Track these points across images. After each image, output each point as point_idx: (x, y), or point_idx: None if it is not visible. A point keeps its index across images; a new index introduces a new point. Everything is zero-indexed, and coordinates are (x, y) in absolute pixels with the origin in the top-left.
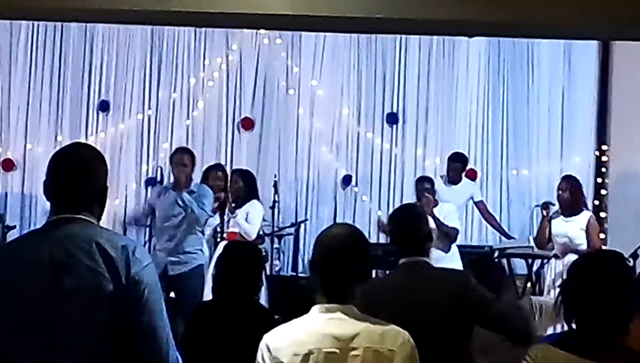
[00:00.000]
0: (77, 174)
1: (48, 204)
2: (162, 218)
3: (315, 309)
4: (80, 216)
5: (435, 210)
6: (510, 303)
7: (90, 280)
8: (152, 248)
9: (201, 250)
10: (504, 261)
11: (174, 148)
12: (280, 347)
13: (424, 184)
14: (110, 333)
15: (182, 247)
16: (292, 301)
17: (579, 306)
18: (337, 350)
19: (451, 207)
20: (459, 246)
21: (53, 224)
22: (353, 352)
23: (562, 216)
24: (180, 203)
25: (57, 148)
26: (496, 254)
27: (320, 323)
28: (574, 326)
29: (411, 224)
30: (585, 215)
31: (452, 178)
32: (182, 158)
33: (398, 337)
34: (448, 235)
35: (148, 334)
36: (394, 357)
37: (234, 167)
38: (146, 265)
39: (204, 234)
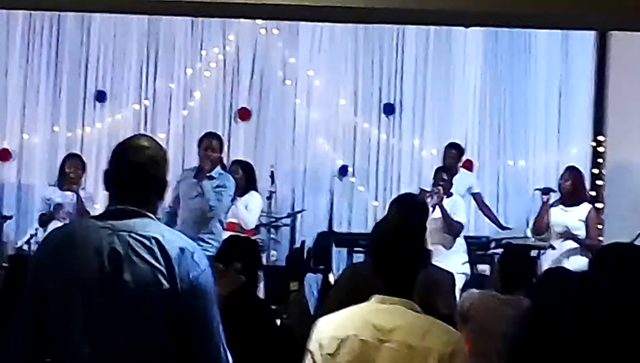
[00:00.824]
0: (144, 167)
1: (45, 194)
2: (182, 203)
3: (372, 298)
4: (141, 210)
5: (445, 202)
6: None
7: (148, 275)
8: None
9: (215, 240)
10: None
11: (171, 138)
12: (324, 330)
13: (441, 174)
14: (163, 328)
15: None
16: (288, 291)
17: None
18: (373, 340)
19: (459, 199)
20: None
21: (114, 213)
22: (387, 344)
23: (561, 206)
24: (199, 189)
25: (55, 139)
26: (493, 244)
27: (368, 312)
28: None
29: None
30: (586, 207)
31: (449, 166)
32: (210, 143)
33: (443, 336)
34: (452, 229)
35: (202, 337)
36: (428, 355)
37: (230, 157)
38: (204, 269)
39: (222, 223)
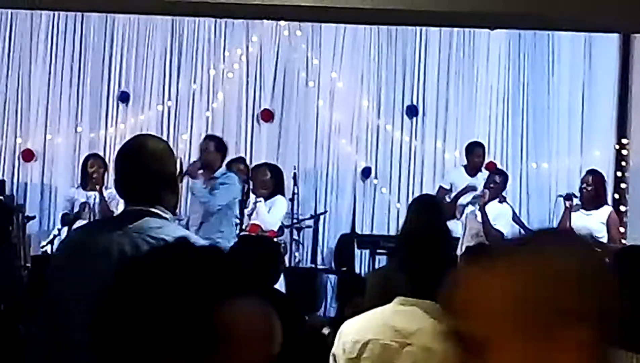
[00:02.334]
0: (146, 164)
1: (69, 194)
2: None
3: (395, 300)
4: (153, 209)
5: (489, 208)
6: None
7: None
8: None
9: (224, 239)
10: None
11: (194, 139)
12: (348, 333)
13: (493, 177)
14: None
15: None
16: (310, 293)
17: None
18: (394, 343)
19: (506, 208)
20: None
21: (125, 216)
22: (408, 348)
23: (582, 210)
24: (192, 191)
25: (78, 139)
26: None
27: (389, 315)
28: None
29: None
30: (606, 209)
31: (474, 165)
32: (204, 144)
33: None
34: (489, 236)
35: None
36: (449, 358)
37: (253, 158)
38: None
39: (232, 223)
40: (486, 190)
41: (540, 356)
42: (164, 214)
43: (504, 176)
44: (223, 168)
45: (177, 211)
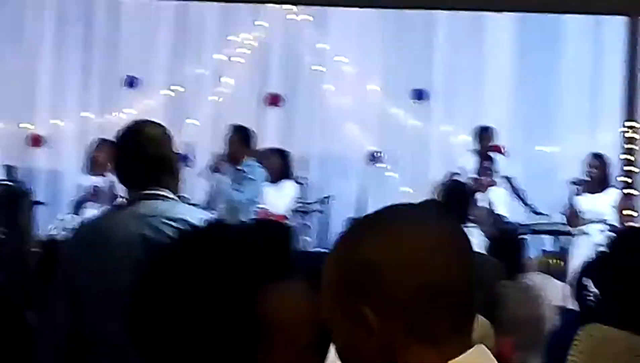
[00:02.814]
0: (144, 150)
1: (77, 180)
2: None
3: None
4: (159, 192)
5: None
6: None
7: None
8: None
9: None
10: (532, 237)
11: (201, 124)
12: None
13: (483, 163)
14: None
15: None
16: (319, 276)
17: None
18: None
19: (501, 191)
20: None
21: (135, 201)
22: None
23: (589, 193)
24: (219, 187)
25: (86, 124)
26: (525, 230)
27: None
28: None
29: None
30: (613, 192)
31: (484, 148)
32: (228, 135)
33: (482, 330)
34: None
35: None
36: None
37: (260, 143)
38: None
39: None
40: (484, 177)
41: (350, 331)
42: (170, 196)
43: (490, 159)
44: (249, 160)
45: (178, 193)
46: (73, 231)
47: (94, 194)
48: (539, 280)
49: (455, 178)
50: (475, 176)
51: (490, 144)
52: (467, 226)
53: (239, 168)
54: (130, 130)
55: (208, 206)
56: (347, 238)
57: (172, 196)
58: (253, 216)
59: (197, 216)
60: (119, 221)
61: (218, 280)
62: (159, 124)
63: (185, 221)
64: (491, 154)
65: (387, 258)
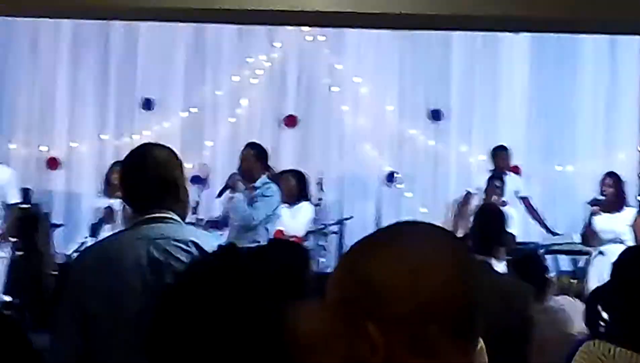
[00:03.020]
0: (150, 174)
1: (93, 202)
2: None
3: None
4: (165, 215)
5: None
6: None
7: None
8: None
9: None
10: (548, 257)
11: (218, 146)
12: None
13: (494, 182)
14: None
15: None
16: None
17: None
18: None
19: (512, 210)
20: None
21: (141, 224)
22: None
23: (606, 213)
24: (234, 206)
25: (103, 147)
26: (542, 251)
27: None
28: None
29: (488, 224)
30: (630, 211)
31: (500, 168)
32: (244, 152)
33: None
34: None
35: None
36: None
37: (277, 164)
38: None
39: (268, 231)
40: (495, 196)
41: (349, 346)
42: (175, 218)
43: (500, 179)
44: (264, 177)
45: (185, 216)
46: (80, 255)
47: (109, 216)
48: (564, 302)
49: (491, 201)
50: (484, 195)
51: (505, 163)
52: (499, 250)
53: (253, 185)
54: (136, 153)
55: (223, 224)
56: (351, 256)
57: (176, 218)
58: (268, 235)
59: (204, 239)
60: (126, 244)
61: (237, 307)
62: (166, 147)
63: (194, 243)
64: (504, 174)
65: (389, 276)
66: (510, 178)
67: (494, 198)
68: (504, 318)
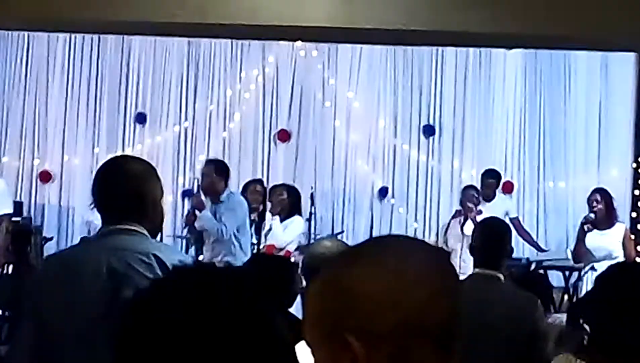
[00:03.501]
0: (121, 186)
1: (85, 216)
2: None
3: None
4: (131, 227)
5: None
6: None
7: None
8: None
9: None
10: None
11: None
12: None
13: (469, 192)
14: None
15: (218, 255)
16: None
17: (602, 313)
18: None
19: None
20: None
21: (105, 235)
22: None
23: (597, 230)
24: (203, 224)
25: (95, 160)
26: (533, 266)
27: None
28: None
29: (494, 238)
30: (621, 227)
31: (486, 195)
32: (204, 169)
33: None
34: None
35: None
36: None
37: (270, 179)
38: None
39: (241, 243)
40: (470, 204)
41: (330, 358)
42: (140, 231)
43: (475, 189)
44: (227, 191)
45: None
46: (42, 263)
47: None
48: (561, 317)
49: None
50: (459, 207)
51: (490, 189)
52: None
53: (218, 200)
54: (107, 164)
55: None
56: (333, 268)
57: (141, 231)
58: (241, 248)
59: (167, 252)
60: (88, 254)
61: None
62: (142, 161)
63: (155, 256)
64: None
65: (371, 290)
66: (500, 199)
67: (469, 206)
68: (517, 329)
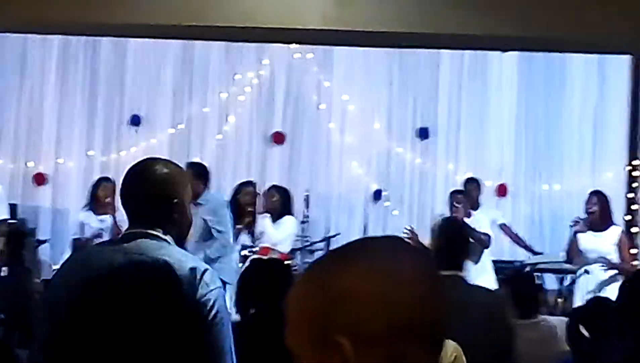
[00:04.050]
0: (145, 189)
1: (78, 217)
2: None
3: None
4: (152, 231)
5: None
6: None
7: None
8: None
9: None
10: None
11: (205, 162)
12: None
13: (456, 195)
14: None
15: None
16: None
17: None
18: None
19: (481, 216)
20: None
21: (126, 237)
22: None
23: (591, 232)
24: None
25: (89, 163)
26: (527, 269)
27: None
28: None
29: (453, 238)
30: (615, 230)
31: (471, 201)
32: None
33: (453, 352)
34: (481, 242)
35: (212, 357)
36: None
37: (265, 181)
38: (213, 289)
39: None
40: (459, 206)
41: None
42: (163, 237)
43: (462, 192)
44: (206, 193)
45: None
46: (60, 266)
47: (99, 236)
48: (553, 320)
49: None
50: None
51: (476, 194)
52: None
53: (199, 202)
54: (134, 167)
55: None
56: (320, 270)
57: (162, 236)
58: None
59: (182, 257)
60: (102, 255)
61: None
62: (171, 164)
63: (166, 262)
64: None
65: (362, 291)
66: (485, 208)
67: (457, 206)
68: (487, 328)
